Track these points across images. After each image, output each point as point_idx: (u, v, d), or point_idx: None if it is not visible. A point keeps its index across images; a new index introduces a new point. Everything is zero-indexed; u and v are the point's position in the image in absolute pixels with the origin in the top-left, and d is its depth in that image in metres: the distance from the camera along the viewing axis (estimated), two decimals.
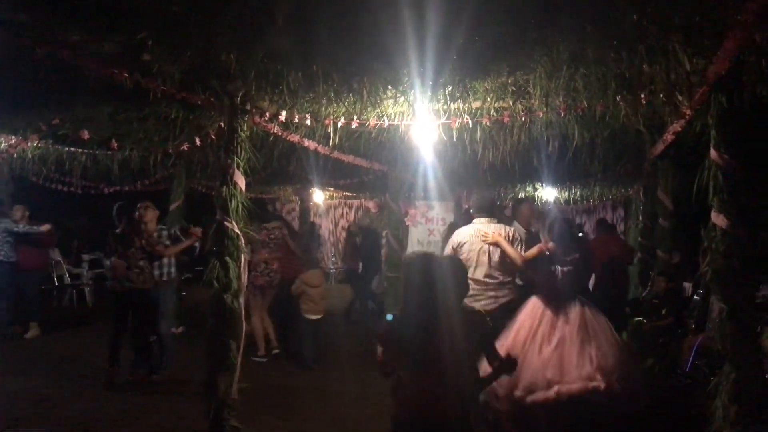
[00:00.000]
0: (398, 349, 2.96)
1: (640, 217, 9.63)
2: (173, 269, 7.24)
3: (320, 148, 6.68)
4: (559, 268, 5.61)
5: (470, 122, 5.08)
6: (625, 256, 9.13)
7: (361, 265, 11.58)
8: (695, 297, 7.48)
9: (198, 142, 6.35)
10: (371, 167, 9.03)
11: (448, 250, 6.13)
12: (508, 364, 3.17)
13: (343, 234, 17.83)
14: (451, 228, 11.29)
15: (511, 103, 4.83)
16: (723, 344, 3.99)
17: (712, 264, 3.98)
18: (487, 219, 6.14)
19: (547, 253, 5.70)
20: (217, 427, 4.70)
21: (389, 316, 3.34)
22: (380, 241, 12.54)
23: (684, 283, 8.61)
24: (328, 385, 6.65)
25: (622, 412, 4.97)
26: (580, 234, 8.22)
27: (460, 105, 4.95)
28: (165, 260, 7.02)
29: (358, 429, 5.38)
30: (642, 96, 4.38)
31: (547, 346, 5.14)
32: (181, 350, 7.96)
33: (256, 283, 7.71)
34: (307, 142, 6.25)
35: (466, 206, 15.39)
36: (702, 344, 6.03)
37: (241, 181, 4.81)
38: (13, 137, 6.72)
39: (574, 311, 5.32)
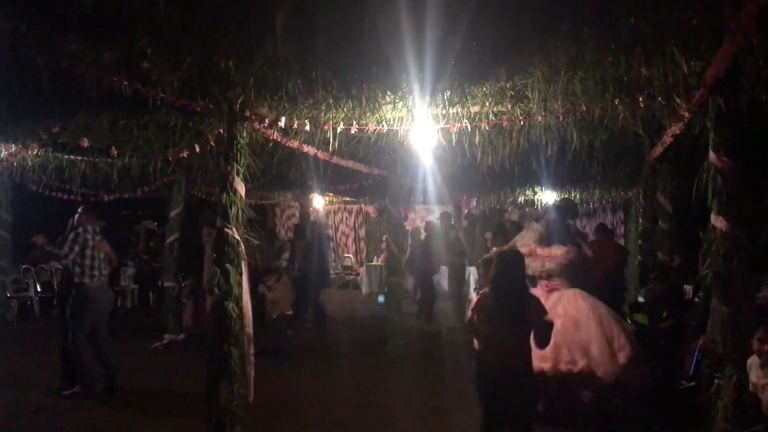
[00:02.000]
0: (488, 315, 4.10)
1: (640, 220, 9.64)
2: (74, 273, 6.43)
3: (320, 154, 6.69)
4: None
5: (469, 127, 5.09)
6: (619, 258, 9.19)
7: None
8: (696, 299, 7.48)
9: (197, 149, 6.35)
10: (371, 172, 9.05)
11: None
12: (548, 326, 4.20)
13: (343, 239, 17.85)
14: (429, 226, 11.70)
15: (509, 107, 4.84)
16: (724, 346, 4.00)
17: (712, 266, 3.99)
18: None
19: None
20: None
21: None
22: (329, 241, 12.37)
23: (684, 285, 8.61)
24: (326, 392, 6.64)
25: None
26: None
27: (459, 110, 4.96)
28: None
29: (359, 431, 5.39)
30: (640, 99, 4.39)
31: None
32: (180, 358, 7.98)
33: None
34: (306, 148, 6.27)
35: (466, 210, 15.49)
36: (704, 347, 6.03)
37: (241, 188, 4.82)
38: (14, 146, 6.73)
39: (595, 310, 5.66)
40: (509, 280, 4.12)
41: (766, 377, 4.04)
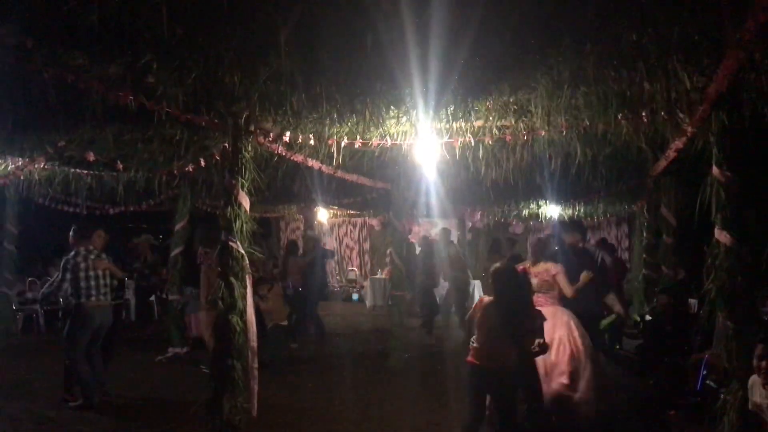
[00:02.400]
0: (483, 322, 4.62)
1: (644, 234, 9.64)
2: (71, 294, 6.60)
3: (324, 168, 6.72)
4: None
5: (472, 141, 5.10)
6: (619, 273, 9.22)
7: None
8: (701, 313, 7.44)
9: (202, 163, 6.39)
10: (375, 186, 9.06)
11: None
12: (544, 347, 4.74)
13: (347, 252, 17.84)
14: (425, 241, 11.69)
15: (513, 121, 4.86)
16: (729, 361, 3.97)
17: (716, 281, 3.97)
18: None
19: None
20: None
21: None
22: (332, 256, 11.96)
23: (689, 299, 8.57)
24: (329, 405, 6.61)
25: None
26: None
27: (463, 124, 4.97)
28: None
29: None
30: (643, 114, 4.40)
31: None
32: (184, 371, 7.97)
33: None
34: (310, 162, 6.29)
35: (471, 224, 15.50)
36: (709, 361, 5.99)
37: (245, 201, 4.84)
38: (20, 159, 6.78)
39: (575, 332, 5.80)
40: (506, 295, 4.63)
41: None
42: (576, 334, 5.73)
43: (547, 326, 5.64)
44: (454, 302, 11.31)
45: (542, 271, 6.06)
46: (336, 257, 17.63)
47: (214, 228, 8.19)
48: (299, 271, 10.36)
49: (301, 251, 11.35)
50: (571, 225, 7.94)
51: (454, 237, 14.15)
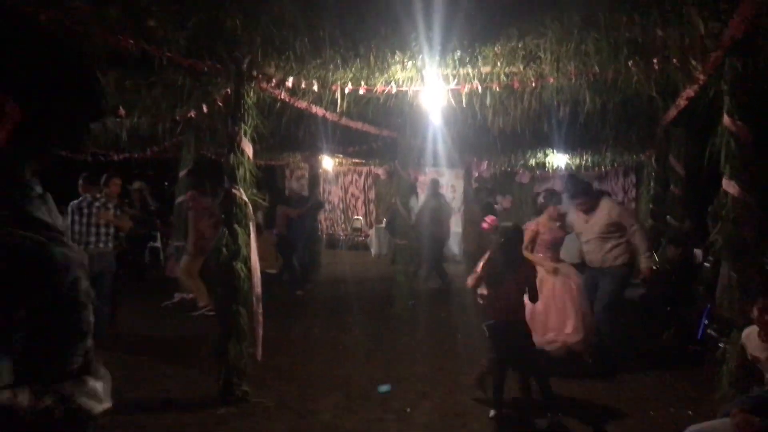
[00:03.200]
0: (491, 276, 4.81)
1: (652, 184, 9.55)
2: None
3: (328, 115, 6.64)
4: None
5: (480, 88, 5.01)
6: None
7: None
8: (706, 264, 7.45)
9: (205, 109, 6.32)
10: (380, 134, 8.98)
11: None
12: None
13: (352, 201, 17.85)
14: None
15: (521, 68, 4.76)
16: (731, 311, 3.99)
17: (722, 231, 3.95)
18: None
19: None
20: (228, 393, 4.78)
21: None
22: (318, 207, 11.77)
23: (695, 249, 8.56)
24: (333, 350, 6.70)
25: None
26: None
27: (470, 70, 4.88)
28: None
29: (365, 390, 5.43)
30: (654, 61, 4.30)
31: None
32: (190, 317, 8.09)
33: (206, 249, 7.80)
34: (314, 109, 6.21)
35: (477, 173, 15.41)
36: (712, 311, 6.02)
37: (248, 148, 4.80)
38: None
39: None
40: (507, 251, 4.78)
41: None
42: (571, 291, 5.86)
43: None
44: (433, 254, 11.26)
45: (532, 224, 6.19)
46: (341, 206, 17.65)
47: (200, 173, 8.30)
48: (285, 220, 10.35)
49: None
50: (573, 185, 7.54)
51: (460, 187, 14.09)
